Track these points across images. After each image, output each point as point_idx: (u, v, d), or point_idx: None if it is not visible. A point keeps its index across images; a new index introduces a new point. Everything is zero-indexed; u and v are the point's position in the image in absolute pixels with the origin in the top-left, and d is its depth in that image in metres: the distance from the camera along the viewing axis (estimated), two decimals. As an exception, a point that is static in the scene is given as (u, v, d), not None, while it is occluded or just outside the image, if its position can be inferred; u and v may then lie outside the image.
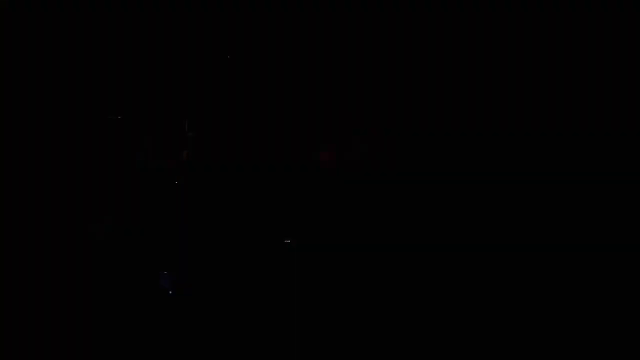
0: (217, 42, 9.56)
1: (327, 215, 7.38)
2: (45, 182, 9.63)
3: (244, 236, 5.64)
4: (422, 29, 9.07)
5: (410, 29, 9.06)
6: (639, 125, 7.92)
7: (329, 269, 4.12)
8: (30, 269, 3.93)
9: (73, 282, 3.32)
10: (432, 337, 3.49)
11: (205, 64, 10.14)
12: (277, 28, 8.91)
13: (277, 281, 3.71)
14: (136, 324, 2.99)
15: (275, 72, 10.30)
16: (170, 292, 3.68)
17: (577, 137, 8.79)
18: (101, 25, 8.49)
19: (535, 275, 4.78)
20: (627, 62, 8.04)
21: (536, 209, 8.23)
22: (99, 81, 9.74)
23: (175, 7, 8.26)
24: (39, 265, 4.08)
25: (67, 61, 9.26)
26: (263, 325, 3.38)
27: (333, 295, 3.58)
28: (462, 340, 3.51)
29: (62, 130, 10.51)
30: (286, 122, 10.28)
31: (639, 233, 6.45)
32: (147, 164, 12.75)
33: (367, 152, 10.48)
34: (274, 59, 10.06)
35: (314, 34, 9.19)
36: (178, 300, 3.63)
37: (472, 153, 9.73)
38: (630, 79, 8.05)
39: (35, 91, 9.45)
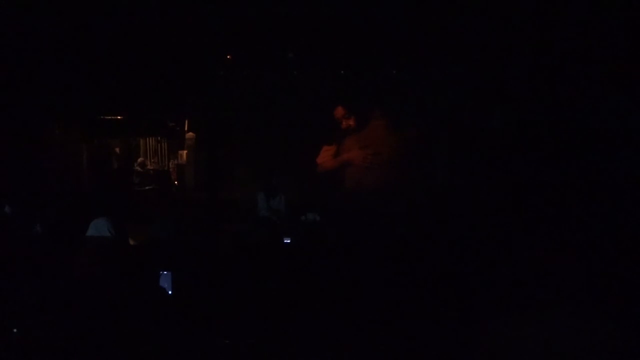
0: (216, 41, 9.58)
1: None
2: (45, 181, 9.64)
3: (243, 235, 5.66)
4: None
5: None
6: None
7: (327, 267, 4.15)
8: (29, 268, 3.95)
9: (72, 282, 3.32)
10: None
11: (205, 64, 10.16)
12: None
13: (276, 280, 3.73)
14: (136, 324, 2.99)
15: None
16: (170, 292, 3.69)
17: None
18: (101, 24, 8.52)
19: None
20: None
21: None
22: (99, 81, 9.76)
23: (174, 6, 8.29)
24: (39, 265, 4.11)
25: (67, 60, 9.28)
26: (262, 325, 3.39)
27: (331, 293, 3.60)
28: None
29: (61, 130, 10.52)
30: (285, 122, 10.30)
31: None
32: (147, 163, 12.79)
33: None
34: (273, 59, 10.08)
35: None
36: (178, 300, 3.63)
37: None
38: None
39: (35, 90, 9.46)
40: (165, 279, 3.68)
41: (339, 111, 10.41)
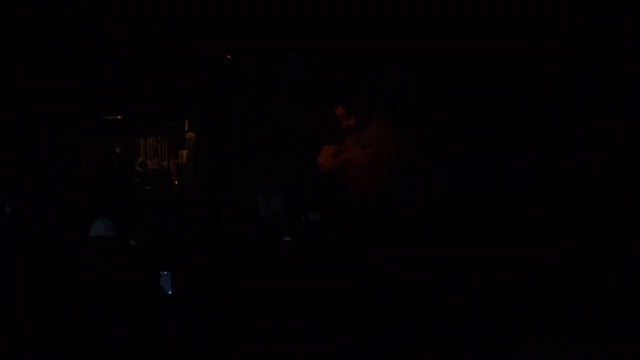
0: (216, 41, 9.59)
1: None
2: (45, 181, 9.64)
3: (243, 235, 5.67)
4: None
5: None
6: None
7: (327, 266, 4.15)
8: (30, 268, 3.95)
9: (72, 282, 3.32)
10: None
11: (205, 64, 10.16)
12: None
13: (276, 279, 3.73)
14: (136, 324, 2.99)
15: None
16: (170, 292, 3.69)
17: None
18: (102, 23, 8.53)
19: None
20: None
21: None
22: (99, 81, 9.77)
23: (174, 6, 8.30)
24: (39, 265, 4.11)
25: (66, 59, 9.29)
26: (262, 324, 3.39)
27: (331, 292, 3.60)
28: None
29: (61, 129, 10.52)
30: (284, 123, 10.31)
31: None
32: (147, 163, 12.79)
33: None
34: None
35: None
36: (178, 300, 3.63)
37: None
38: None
39: (36, 90, 9.47)
40: (165, 279, 3.68)
41: (339, 111, 10.38)
